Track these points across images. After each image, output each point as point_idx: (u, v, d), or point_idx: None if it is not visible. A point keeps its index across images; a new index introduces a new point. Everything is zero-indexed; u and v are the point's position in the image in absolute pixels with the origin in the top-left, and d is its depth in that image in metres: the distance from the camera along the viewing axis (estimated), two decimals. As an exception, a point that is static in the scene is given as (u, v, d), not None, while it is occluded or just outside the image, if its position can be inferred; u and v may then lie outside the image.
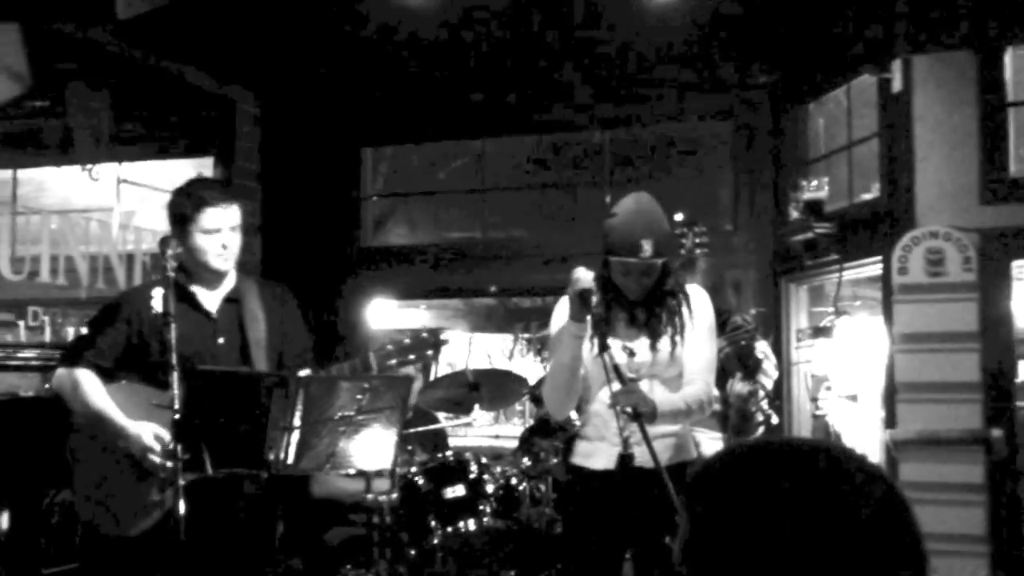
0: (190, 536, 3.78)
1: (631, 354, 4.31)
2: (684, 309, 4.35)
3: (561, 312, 4.35)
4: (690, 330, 4.34)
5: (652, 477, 3.81)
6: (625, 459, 4.01)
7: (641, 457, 3.92)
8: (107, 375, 4.38)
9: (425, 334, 4.57)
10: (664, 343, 4.31)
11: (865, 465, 1.44)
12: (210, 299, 4.52)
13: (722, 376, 4.92)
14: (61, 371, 4.44)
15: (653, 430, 3.94)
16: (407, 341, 4.55)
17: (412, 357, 4.54)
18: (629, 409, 3.87)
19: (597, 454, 4.38)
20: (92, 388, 4.34)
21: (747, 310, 5.60)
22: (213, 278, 4.52)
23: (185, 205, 4.43)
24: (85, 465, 4.39)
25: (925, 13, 7.01)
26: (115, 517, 4.30)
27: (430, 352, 4.64)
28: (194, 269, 4.48)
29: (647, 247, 4.14)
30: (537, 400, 6.58)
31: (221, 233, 4.44)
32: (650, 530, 4.19)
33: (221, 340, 4.47)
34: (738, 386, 4.85)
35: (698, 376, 4.36)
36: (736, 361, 4.95)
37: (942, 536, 6.22)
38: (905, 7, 7.06)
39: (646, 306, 4.34)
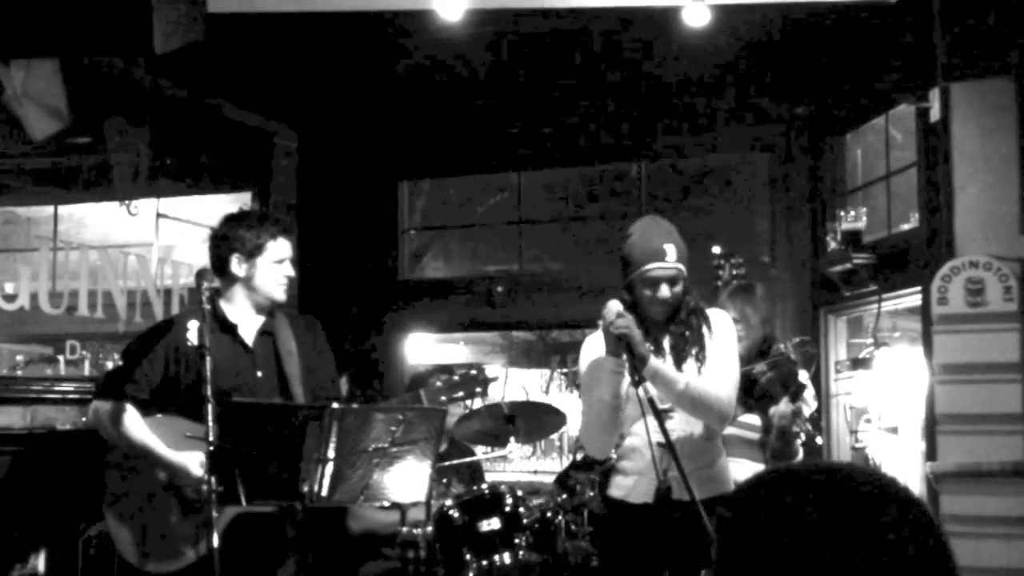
0: (230, 572, 3.78)
1: None
2: (705, 330, 4.34)
3: (593, 348, 4.33)
4: (711, 350, 4.31)
5: (689, 509, 3.78)
6: (663, 493, 4.00)
7: (678, 490, 3.90)
8: (143, 407, 4.36)
9: (473, 371, 4.61)
10: (689, 366, 4.28)
11: (889, 485, 1.42)
12: (248, 332, 4.53)
13: (765, 402, 4.88)
14: (99, 404, 4.41)
15: (687, 464, 3.92)
16: (456, 378, 4.58)
17: (461, 394, 4.59)
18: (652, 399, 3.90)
19: (635, 488, 4.34)
20: (132, 422, 4.32)
21: (790, 339, 5.54)
22: (264, 310, 4.54)
23: (259, 235, 4.47)
24: (122, 500, 4.39)
25: (963, 41, 6.95)
26: (155, 553, 4.29)
27: (478, 389, 4.67)
28: (253, 301, 4.50)
29: (671, 251, 4.19)
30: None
31: (285, 264, 4.50)
32: (687, 562, 4.14)
33: (260, 373, 4.48)
34: (782, 406, 4.80)
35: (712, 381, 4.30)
36: (779, 385, 4.90)
37: (983, 570, 6.12)
38: (942, 36, 7.01)
39: (671, 330, 4.33)
